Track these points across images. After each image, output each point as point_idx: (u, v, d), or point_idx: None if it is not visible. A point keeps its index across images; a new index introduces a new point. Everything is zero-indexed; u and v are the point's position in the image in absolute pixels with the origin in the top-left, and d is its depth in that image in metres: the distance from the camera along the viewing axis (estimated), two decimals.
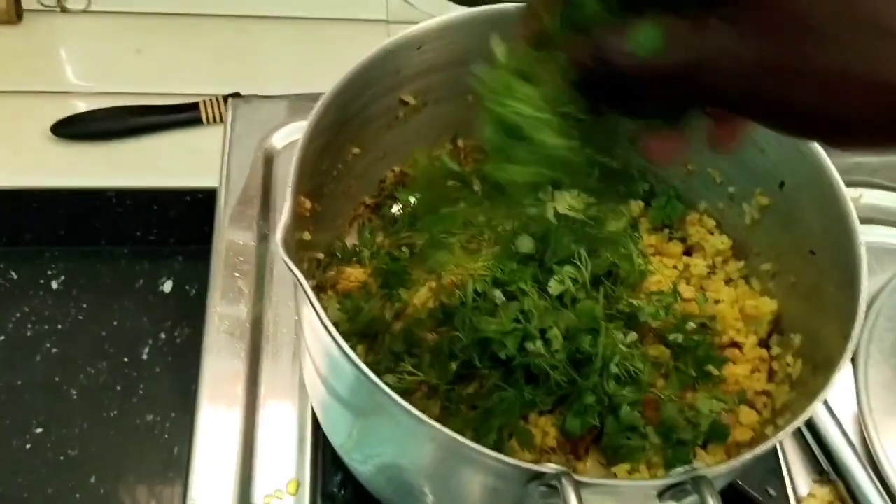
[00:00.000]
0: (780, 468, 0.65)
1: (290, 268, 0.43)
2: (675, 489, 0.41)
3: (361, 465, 0.58)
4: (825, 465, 0.66)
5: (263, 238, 0.74)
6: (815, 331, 0.53)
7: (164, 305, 0.84)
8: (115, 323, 0.83)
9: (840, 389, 0.71)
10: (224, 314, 0.69)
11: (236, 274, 0.72)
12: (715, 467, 0.42)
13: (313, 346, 0.53)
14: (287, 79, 0.76)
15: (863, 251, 0.50)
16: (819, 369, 0.50)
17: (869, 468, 0.65)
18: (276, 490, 0.61)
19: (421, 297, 0.56)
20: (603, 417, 0.52)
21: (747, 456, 0.43)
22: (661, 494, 0.42)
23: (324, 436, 0.61)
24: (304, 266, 0.56)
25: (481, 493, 0.47)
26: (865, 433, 0.67)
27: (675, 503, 0.42)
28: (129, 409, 0.78)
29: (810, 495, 0.65)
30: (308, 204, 0.52)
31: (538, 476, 0.40)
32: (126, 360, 0.81)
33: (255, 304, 0.70)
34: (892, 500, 0.64)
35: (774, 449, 0.66)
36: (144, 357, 0.81)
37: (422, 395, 0.52)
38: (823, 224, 0.54)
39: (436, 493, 0.51)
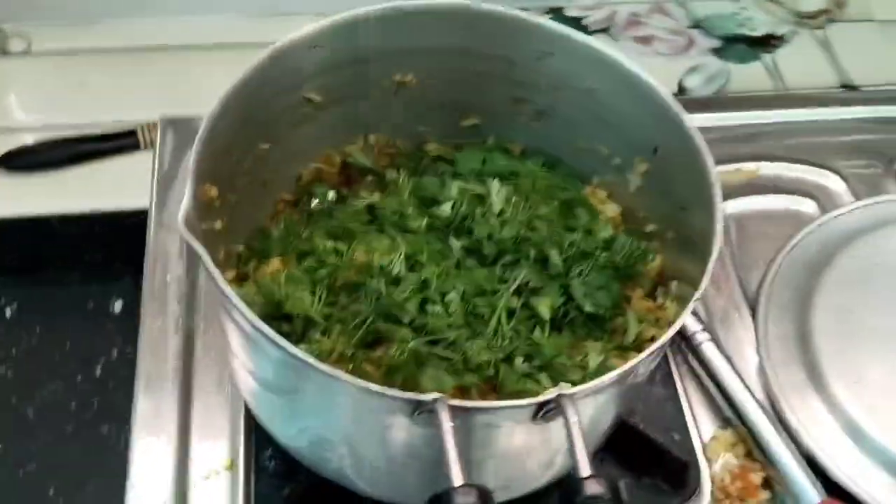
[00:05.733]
0: (684, 416, 0.70)
1: (190, 243, 0.47)
2: (545, 409, 0.45)
3: (290, 438, 0.62)
4: (728, 413, 0.71)
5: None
6: (688, 276, 0.57)
7: (114, 325, 0.88)
8: (68, 344, 0.86)
9: (743, 344, 0.76)
10: (156, 332, 0.74)
11: (168, 293, 0.76)
12: (578, 387, 0.46)
13: (234, 340, 0.57)
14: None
15: (718, 197, 0.56)
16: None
17: (769, 411, 0.69)
18: (211, 470, 0.65)
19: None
20: (498, 369, 0.56)
21: (607, 378, 0.47)
22: (535, 416, 0.46)
23: (253, 420, 0.66)
24: (219, 256, 0.60)
25: (381, 434, 0.51)
26: (765, 381, 0.72)
27: (546, 423, 0.46)
28: (85, 423, 0.82)
29: (713, 438, 0.70)
30: (214, 192, 0.56)
31: (420, 405, 0.45)
32: (80, 378, 0.84)
33: (187, 323, 0.75)
34: (790, 436, 0.68)
35: (679, 401, 0.70)
36: (98, 374, 0.84)
37: (333, 362, 0.56)
38: (689, 180, 0.59)
39: (349, 445, 0.55)
